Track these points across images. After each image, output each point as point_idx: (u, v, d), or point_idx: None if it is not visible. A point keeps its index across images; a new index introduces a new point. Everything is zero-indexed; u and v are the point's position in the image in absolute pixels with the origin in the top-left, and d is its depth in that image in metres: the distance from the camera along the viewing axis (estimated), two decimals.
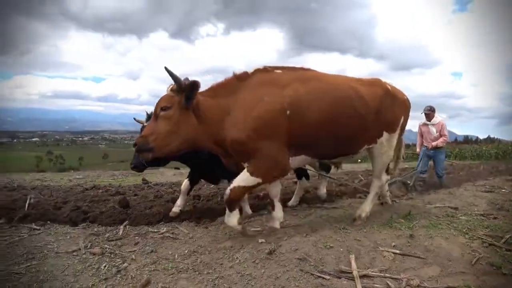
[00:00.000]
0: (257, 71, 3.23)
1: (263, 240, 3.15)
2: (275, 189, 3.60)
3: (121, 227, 3.73)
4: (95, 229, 3.69)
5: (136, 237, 3.44)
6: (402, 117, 3.95)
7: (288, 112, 3.02)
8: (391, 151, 4.00)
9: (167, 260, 2.83)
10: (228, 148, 3.11)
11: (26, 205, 4.58)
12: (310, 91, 3.18)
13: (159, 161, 3.96)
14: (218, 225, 3.89)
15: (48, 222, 3.94)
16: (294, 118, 3.05)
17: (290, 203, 4.96)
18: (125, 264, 2.74)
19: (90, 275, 2.55)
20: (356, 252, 2.93)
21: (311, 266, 2.69)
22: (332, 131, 3.29)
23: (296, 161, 3.36)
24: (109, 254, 2.94)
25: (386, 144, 3.86)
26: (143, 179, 7.69)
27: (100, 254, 2.92)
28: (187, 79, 3.00)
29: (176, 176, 8.93)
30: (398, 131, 3.96)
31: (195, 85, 2.89)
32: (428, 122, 6.55)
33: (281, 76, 3.22)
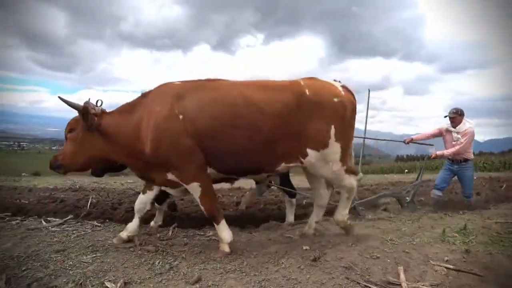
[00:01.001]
0: (158, 86, 3.32)
1: (307, 247, 3.17)
2: (139, 205, 3.53)
3: (171, 228, 3.98)
4: (147, 229, 3.98)
5: (185, 239, 3.65)
6: (332, 126, 3.16)
7: (181, 116, 3.03)
8: (335, 164, 3.25)
9: (215, 261, 2.96)
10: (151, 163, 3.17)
11: (88, 205, 5.09)
12: (198, 99, 3.11)
13: (109, 170, 4.08)
14: (261, 231, 3.98)
15: (107, 220, 4.37)
16: (187, 123, 3.02)
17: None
18: (177, 262, 2.92)
19: (147, 269, 2.76)
20: (404, 264, 2.82)
21: (357, 275, 2.65)
22: (224, 142, 3.07)
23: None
24: (162, 252, 3.15)
25: (320, 163, 3.22)
26: None
27: (153, 251, 3.16)
28: (87, 102, 3.14)
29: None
30: (333, 144, 3.18)
31: (84, 110, 3.08)
32: (453, 129, 5.25)
33: (176, 86, 3.25)
